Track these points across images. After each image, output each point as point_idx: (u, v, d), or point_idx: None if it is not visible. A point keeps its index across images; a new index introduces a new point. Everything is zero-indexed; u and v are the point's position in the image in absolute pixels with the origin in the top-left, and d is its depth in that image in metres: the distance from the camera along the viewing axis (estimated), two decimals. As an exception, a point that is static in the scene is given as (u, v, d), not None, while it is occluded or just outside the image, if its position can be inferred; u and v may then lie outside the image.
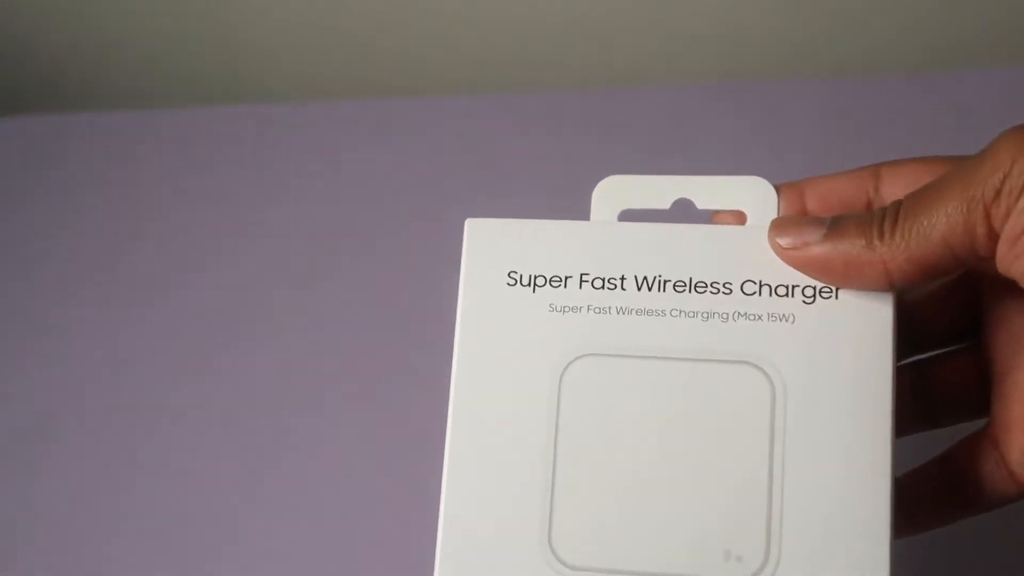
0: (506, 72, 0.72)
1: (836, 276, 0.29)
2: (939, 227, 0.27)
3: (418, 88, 0.73)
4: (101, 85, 0.76)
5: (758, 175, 0.32)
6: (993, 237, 0.27)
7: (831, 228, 0.29)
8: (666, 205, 0.33)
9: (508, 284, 0.31)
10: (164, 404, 0.56)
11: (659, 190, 0.33)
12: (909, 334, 0.33)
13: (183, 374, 0.57)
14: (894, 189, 0.32)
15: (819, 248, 0.29)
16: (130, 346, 0.58)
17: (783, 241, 0.30)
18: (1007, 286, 0.29)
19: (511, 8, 0.68)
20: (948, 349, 0.34)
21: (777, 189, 0.32)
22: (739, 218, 0.33)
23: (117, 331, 0.59)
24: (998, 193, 0.27)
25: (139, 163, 0.65)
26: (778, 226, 0.30)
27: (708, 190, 0.32)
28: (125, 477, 0.54)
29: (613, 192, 0.33)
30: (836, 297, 0.30)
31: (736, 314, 0.31)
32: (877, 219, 0.29)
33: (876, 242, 0.28)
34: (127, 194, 0.64)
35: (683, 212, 0.32)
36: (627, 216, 0.32)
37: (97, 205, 0.64)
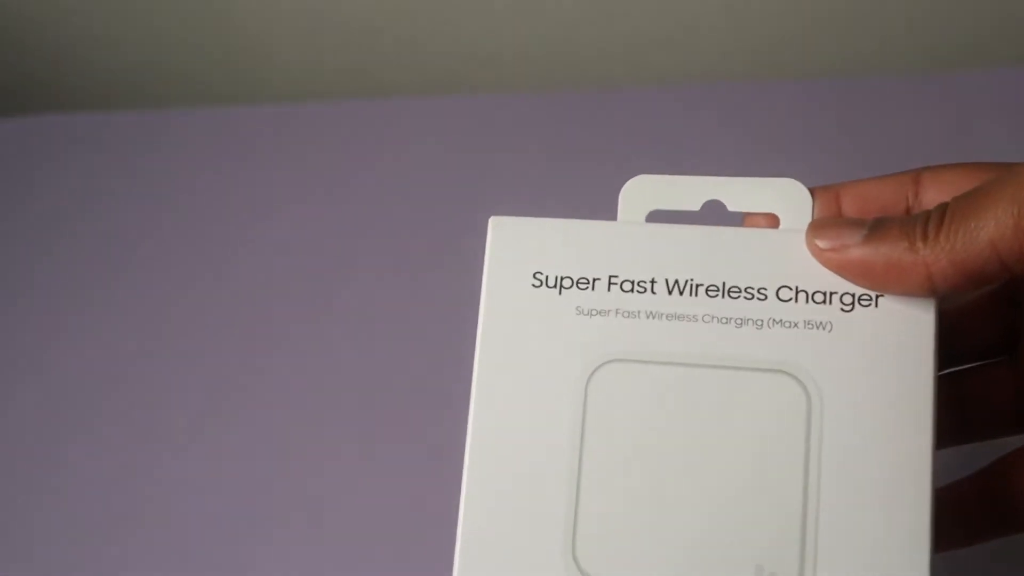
0: (510, 71, 0.72)
1: (876, 280, 0.28)
2: (987, 230, 0.26)
3: (420, 88, 0.73)
4: (101, 85, 0.76)
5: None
6: None
7: (872, 230, 0.28)
8: (696, 207, 0.31)
9: (533, 285, 0.30)
10: (165, 405, 0.55)
11: (689, 191, 0.31)
12: (946, 345, 0.32)
13: (183, 374, 0.56)
14: (935, 195, 0.31)
15: (859, 250, 0.28)
16: (130, 346, 0.57)
17: (822, 243, 0.29)
18: None
19: (511, 5, 0.68)
20: (985, 362, 0.33)
21: (811, 192, 0.31)
22: (772, 221, 0.31)
23: (117, 331, 0.58)
24: None
25: (139, 163, 0.65)
26: (816, 227, 0.29)
27: (740, 192, 0.31)
28: (130, 479, 0.53)
29: (641, 192, 0.31)
30: (876, 305, 0.29)
31: (771, 321, 0.29)
32: (921, 221, 0.28)
33: (919, 244, 0.27)
34: (127, 194, 0.64)
35: (714, 214, 0.31)
36: (656, 217, 0.31)
37: (97, 205, 0.63)
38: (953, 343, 0.32)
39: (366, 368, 0.55)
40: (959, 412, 0.33)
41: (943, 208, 0.28)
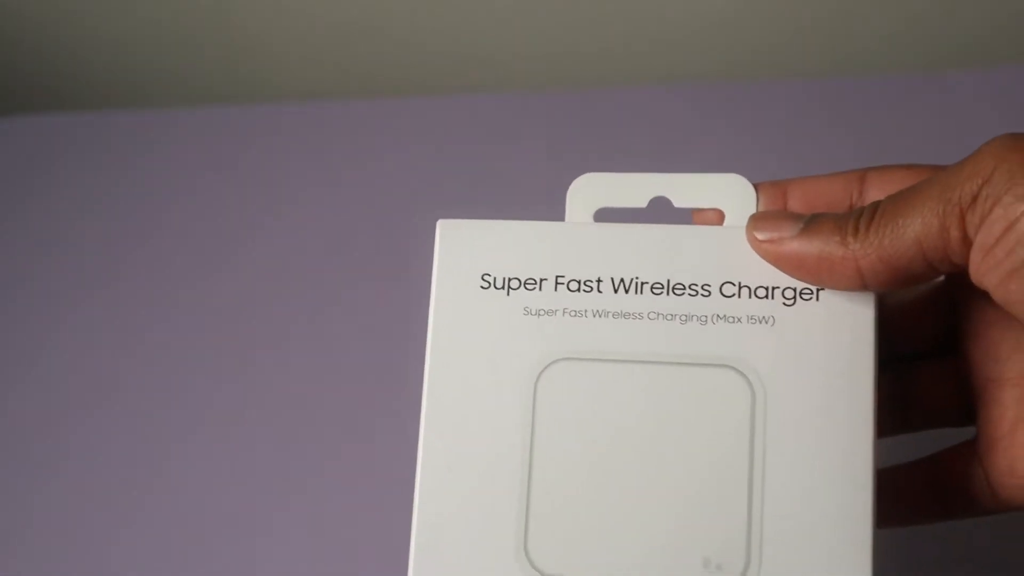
0: (510, 71, 0.72)
1: (810, 273, 0.29)
2: (913, 228, 0.27)
3: (420, 88, 0.73)
4: (101, 85, 0.76)
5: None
6: (967, 244, 0.27)
7: (808, 224, 0.29)
8: (643, 203, 0.32)
9: (482, 287, 0.31)
10: (165, 405, 0.56)
11: (635, 188, 0.32)
12: (888, 341, 0.32)
13: (182, 374, 0.57)
14: (878, 193, 0.31)
15: (794, 243, 0.29)
16: (129, 346, 0.58)
17: (760, 235, 0.29)
18: (982, 298, 0.29)
19: (511, 5, 0.68)
20: (928, 359, 0.34)
21: (757, 187, 0.32)
22: (718, 217, 0.32)
23: (117, 331, 0.59)
24: (975, 199, 0.26)
25: (140, 163, 0.65)
26: (756, 220, 0.30)
27: (686, 188, 0.32)
28: (129, 479, 0.54)
29: (588, 190, 0.32)
30: (817, 299, 0.30)
31: (715, 316, 0.30)
32: (854, 217, 0.28)
33: (850, 239, 0.28)
34: (127, 194, 0.64)
35: (661, 211, 0.32)
36: (603, 215, 0.32)
37: (97, 205, 0.64)
38: (895, 340, 0.33)
39: (367, 368, 0.55)
40: (902, 410, 0.33)
41: (875, 205, 0.28)
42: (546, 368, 0.30)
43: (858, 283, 0.28)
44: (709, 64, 0.70)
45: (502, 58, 0.72)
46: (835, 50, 0.68)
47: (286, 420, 0.54)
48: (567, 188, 0.32)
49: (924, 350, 0.34)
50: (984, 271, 0.26)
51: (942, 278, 0.33)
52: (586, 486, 0.29)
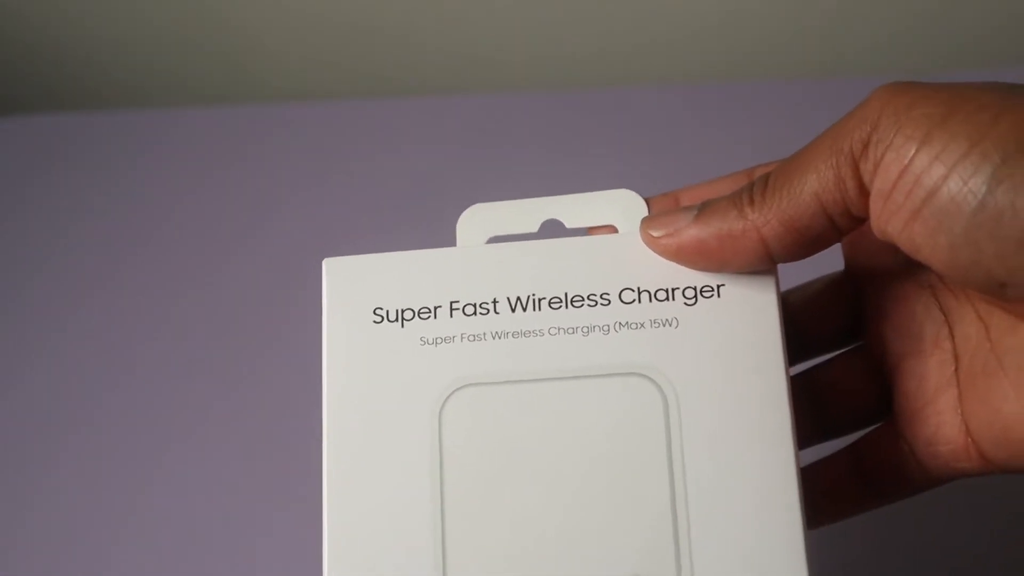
0: (510, 71, 0.72)
1: (713, 257, 0.28)
2: (810, 185, 0.26)
3: (420, 88, 0.73)
4: (101, 85, 0.77)
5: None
6: (865, 193, 0.26)
7: (701, 209, 0.28)
8: (534, 228, 0.31)
9: (375, 322, 0.30)
10: (164, 405, 0.56)
11: (525, 213, 0.31)
12: (798, 337, 0.32)
13: (182, 373, 0.57)
14: None
15: (692, 230, 0.28)
16: (129, 346, 0.58)
17: (655, 232, 0.29)
18: (887, 275, 0.28)
19: (511, 5, 0.67)
20: (836, 353, 0.33)
21: (648, 200, 0.31)
22: (613, 233, 0.31)
23: (117, 331, 0.59)
24: (866, 145, 0.25)
25: (139, 163, 0.65)
26: (649, 219, 0.29)
27: (576, 208, 0.31)
28: (127, 480, 0.54)
29: (478, 221, 0.31)
30: (718, 295, 0.29)
31: (617, 324, 0.29)
32: (747, 189, 0.27)
33: (747, 210, 0.27)
34: (127, 194, 0.64)
35: (553, 234, 0.31)
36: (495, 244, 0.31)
37: (97, 205, 0.64)
38: (804, 334, 0.32)
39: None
40: (819, 406, 0.32)
41: (767, 175, 0.27)
42: (449, 396, 0.29)
43: (764, 255, 0.27)
44: (709, 64, 0.70)
45: (502, 58, 0.71)
46: (835, 50, 0.68)
47: (286, 420, 0.54)
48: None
49: (834, 343, 0.33)
50: (886, 218, 0.25)
51: (842, 270, 0.32)
52: (503, 511, 0.28)
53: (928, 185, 0.24)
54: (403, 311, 0.30)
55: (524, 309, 0.29)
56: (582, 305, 0.29)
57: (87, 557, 0.52)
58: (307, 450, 0.52)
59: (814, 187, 0.26)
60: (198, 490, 0.53)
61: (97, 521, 0.53)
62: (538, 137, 0.61)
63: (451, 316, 0.30)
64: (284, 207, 0.62)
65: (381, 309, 0.30)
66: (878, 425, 0.31)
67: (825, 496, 0.31)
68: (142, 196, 0.64)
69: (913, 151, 0.24)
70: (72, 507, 0.53)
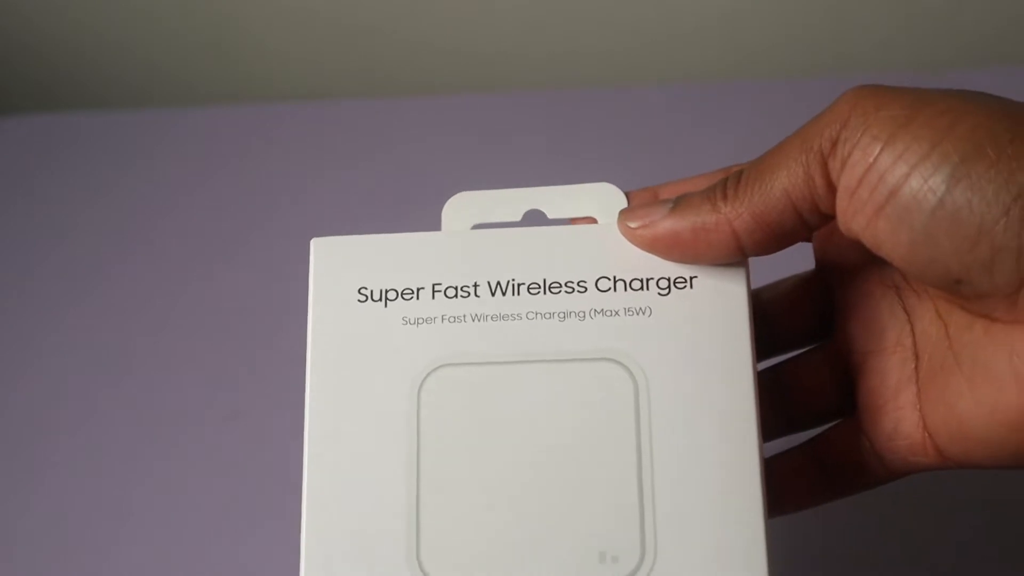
0: (510, 71, 0.72)
1: (686, 248, 0.29)
2: (780, 181, 0.27)
3: (420, 88, 0.73)
4: (101, 85, 0.77)
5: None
6: (832, 190, 0.27)
7: (677, 203, 0.29)
8: (517, 217, 0.32)
9: (359, 301, 0.31)
10: (163, 405, 0.56)
11: (509, 203, 0.32)
12: (767, 334, 0.33)
13: (181, 373, 0.57)
14: None
15: (667, 222, 0.29)
16: (129, 347, 0.58)
17: (632, 223, 0.30)
18: (855, 273, 0.29)
19: (511, 5, 0.68)
20: (803, 350, 0.34)
21: (628, 194, 0.32)
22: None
23: (116, 331, 0.59)
24: (835, 144, 0.26)
25: (139, 163, 0.66)
26: (626, 211, 0.30)
27: (558, 199, 0.32)
28: (124, 480, 0.54)
29: (462, 209, 0.32)
30: (691, 286, 0.30)
31: (592, 311, 0.30)
32: (720, 184, 0.29)
33: (720, 204, 0.28)
34: (127, 194, 0.64)
35: (535, 224, 0.32)
36: None
37: (97, 205, 0.64)
38: (775, 331, 0.33)
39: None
40: (786, 400, 0.33)
41: (740, 171, 0.28)
42: (428, 375, 0.30)
43: (735, 248, 0.28)
44: (709, 64, 0.70)
45: (502, 58, 0.72)
46: (835, 50, 0.68)
47: (286, 420, 0.54)
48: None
49: (802, 340, 0.34)
50: (851, 214, 0.27)
51: (813, 269, 0.33)
52: (476, 489, 0.29)
53: (891, 183, 0.25)
54: (387, 291, 0.31)
55: (504, 293, 0.30)
56: (559, 291, 0.30)
57: (85, 555, 0.52)
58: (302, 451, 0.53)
59: (784, 183, 0.27)
60: (198, 490, 0.53)
61: (94, 519, 0.53)
62: (537, 136, 0.62)
63: (433, 298, 0.31)
64: (284, 207, 0.62)
65: (366, 289, 0.31)
66: (842, 420, 0.32)
67: (786, 486, 0.32)
68: (142, 196, 0.64)
69: (878, 150, 0.25)
70: (69, 505, 0.54)
